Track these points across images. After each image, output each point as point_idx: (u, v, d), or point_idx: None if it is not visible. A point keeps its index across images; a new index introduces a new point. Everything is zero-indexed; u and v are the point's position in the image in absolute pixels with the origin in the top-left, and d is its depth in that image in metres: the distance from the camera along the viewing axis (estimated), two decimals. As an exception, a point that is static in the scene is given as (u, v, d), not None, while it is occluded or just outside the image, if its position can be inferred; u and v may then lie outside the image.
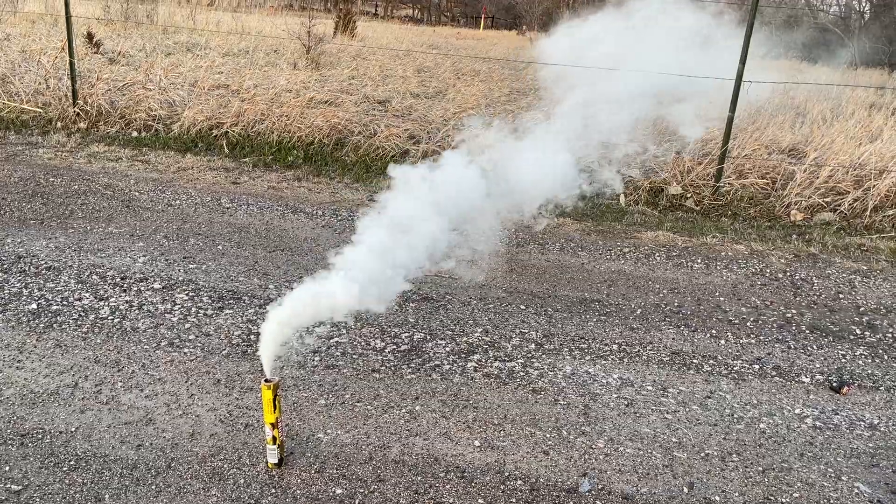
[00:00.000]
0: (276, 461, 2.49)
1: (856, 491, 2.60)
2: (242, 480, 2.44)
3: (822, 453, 2.82)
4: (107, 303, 3.65)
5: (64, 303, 3.62)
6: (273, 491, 2.40)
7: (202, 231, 4.80)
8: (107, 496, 2.33)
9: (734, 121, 6.24)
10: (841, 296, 4.48)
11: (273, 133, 7.25)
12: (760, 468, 2.69)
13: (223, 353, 3.25)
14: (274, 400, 2.40)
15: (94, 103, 7.60)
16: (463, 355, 3.38)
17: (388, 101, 8.89)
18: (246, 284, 4.00)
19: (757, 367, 3.49)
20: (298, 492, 2.40)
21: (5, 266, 4.00)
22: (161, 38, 12.48)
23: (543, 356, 3.43)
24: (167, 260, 4.26)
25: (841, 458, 2.79)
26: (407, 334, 3.55)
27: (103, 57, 10.11)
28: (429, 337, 3.53)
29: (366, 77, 10.48)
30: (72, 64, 7.50)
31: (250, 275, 4.13)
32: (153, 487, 2.38)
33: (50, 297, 3.66)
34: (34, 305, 3.57)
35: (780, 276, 4.75)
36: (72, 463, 2.47)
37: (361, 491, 2.43)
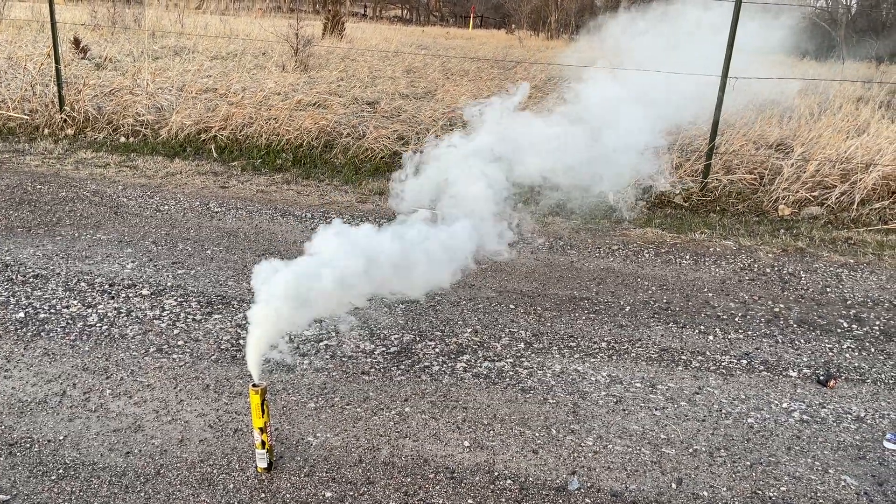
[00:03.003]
0: (266, 466, 2.49)
1: (843, 484, 2.63)
2: (232, 486, 2.44)
3: (809, 447, 2.84)
4: (95, 310, 3.64)
5: (52, 311, 3.61)
6: (263, 495, 2.40)
7: (191, 236, 4.79)
8: (96, 504, 2.33)
9: (721, 116, 6.27)
10: (828, 289, 4.51)
11: (261, 136, 7.23)
12: (748, 463, 2.71)
13: (212, 358, 3.25)
14: (262, 404, 2.41)
15: (81, 109, 7.57)
16: (452, 356, 3.38)
17: (376, 102, 8.89)
18: (235, 289, 4.00)
19: (745, 362, 3.52)
20: (288, 496, 2.40)
21: (-8, 275, 3.99)
22: (148, 43, 12.42)
23: (533, 355, 3.44)
24: (156, 266, 4.25)
25: (828, 452, 2.82)
26: (396, 336, 3.55)
27: (90, 62, 10.08)
28: (418, 338, 3.54)
29: (354, 78, 10.48)
30: (58, 70, 7.47)
31: (239, 279, 4.13)
32: (142, 494, 2.38)
33: (38, 306, 3.65)
34: (21, 314, 3.56)
35: (768, 270, 4.78)
36: (60, 471, 2.47)
37: (351, 494, 2.43)
